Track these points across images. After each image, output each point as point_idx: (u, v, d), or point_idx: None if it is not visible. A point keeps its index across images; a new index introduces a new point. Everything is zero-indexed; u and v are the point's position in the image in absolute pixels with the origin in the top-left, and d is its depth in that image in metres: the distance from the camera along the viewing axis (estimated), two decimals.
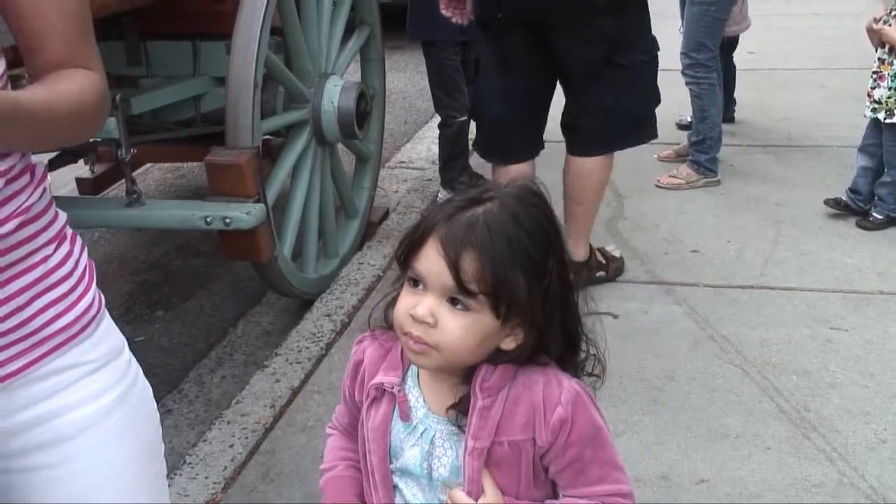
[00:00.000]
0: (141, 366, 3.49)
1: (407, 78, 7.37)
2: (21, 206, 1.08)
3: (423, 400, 1.23)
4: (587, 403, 1.20)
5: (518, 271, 1.11)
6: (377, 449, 1.24)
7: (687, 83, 4.52)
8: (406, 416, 1.22)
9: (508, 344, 1.17)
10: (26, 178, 1.10)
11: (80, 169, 4.10)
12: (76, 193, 4.04)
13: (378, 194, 4.35)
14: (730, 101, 5.35)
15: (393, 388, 1.22)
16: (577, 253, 3.39)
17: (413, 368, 1.24)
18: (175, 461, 2.66)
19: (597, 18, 3.06)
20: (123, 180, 3.07)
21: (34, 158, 1.14)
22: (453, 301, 1.11)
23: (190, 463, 2.58)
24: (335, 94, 3.50)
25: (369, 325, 1.29)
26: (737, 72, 5.32)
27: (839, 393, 2.76)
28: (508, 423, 1.17)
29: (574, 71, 3.19)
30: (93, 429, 1.17)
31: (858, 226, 3.92)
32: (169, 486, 2.46)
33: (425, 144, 5.47)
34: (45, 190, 1.14)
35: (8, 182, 1.06)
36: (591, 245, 3.52)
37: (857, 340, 3.04)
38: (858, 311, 3.23)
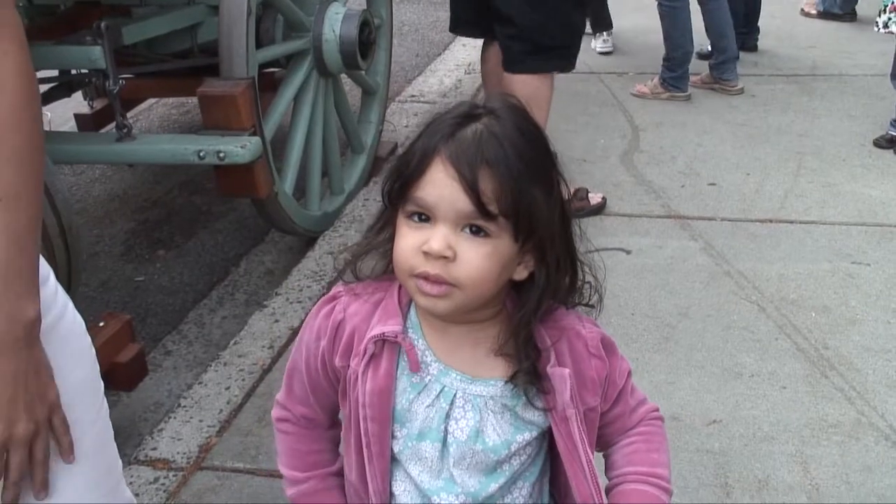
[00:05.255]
0: (140, 306, 3.39)
1: (420, 9, 7.17)
2: None
3: (434, 354, 1.08)
4: (611, 340, 1.13)
5: (534, 186, 0.99)
6: (377, 414, 1.08)
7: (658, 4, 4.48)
8: (417, 367, 1.07)
9: (520, 273, 1.04)
10: None
11: (81, 105, 4.00)
12: (76, 130, 3.94)
13: (386, 129, 4.22)
14: (753, 30, 5.17)
15: (397, 336, 1.06)
16: None
17: (412, 318, 1.10)
18: (172, 404, 2.60)
19: None
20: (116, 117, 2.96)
21: None
22: (471, 229, 0.98)
23: (184, 406, 2.51)
24: (337, 23, 3.36)
25: (342, 279, 1.15)
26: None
27: (859, 330, 2.64)
28: (580, 385, 1.09)
29: None
30: None
31: None
32: (162, 429, 2.43)
33: (437, 77, 5.31)
34: None
35: None
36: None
37: (879, 275, 2.91)
38: (881, 244, 3.10)
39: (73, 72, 3.31)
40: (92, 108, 3.95)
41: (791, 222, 3.30)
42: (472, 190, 0.96)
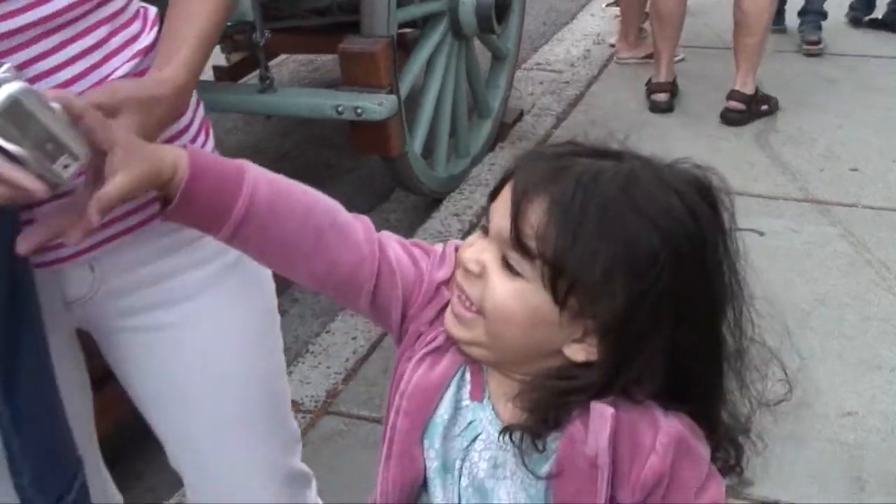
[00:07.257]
0: None
1: None
2: (135, 51, 1.05)
3: (488, 382, 0.96)
4: (694, 446, 0.90)
5: (600, 247, 0.82)
6: (415, 409, 0.95)
7: None
8: (479, 395, 0.94)
9: (576, 353, 0.88)
10: (137, 24, 1.07)
11: (217, 57, 4.09)
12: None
13: (513, 95, 4.19)
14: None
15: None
16: (746, 87, 3.89)
17: None
18: (299, 349, 2.66)
19: None
20: (259, 69, 3.02)
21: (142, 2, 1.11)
22: (506, 264, 0.87)
23: (313, 352, 2.57)
24: None
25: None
26: None
27: None
28: (617, 479, 0.89)
29: None
30: (205, 292, 1.13)
31: None
32: (291, 373, 2.49)
33: (564, 46, 5.23)
34: (158, 31, 1.08)
35: (117, 30, 1.02)
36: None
37: None
38: None
39: None
40: (229, 61, 4.04)
41: None
42: (514, 212, 0.85)
